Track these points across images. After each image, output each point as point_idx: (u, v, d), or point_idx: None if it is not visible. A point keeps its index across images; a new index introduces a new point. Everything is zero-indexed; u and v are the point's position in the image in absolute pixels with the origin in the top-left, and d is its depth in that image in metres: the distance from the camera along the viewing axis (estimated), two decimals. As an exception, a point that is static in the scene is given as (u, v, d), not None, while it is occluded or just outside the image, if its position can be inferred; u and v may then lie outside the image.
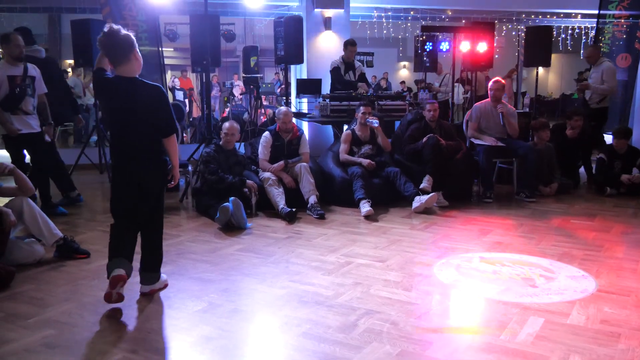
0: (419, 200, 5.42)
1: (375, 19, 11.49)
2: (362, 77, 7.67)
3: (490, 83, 6.41)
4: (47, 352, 2.59)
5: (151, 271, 3.33)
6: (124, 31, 3.07)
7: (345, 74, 7.51)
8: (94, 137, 8.38)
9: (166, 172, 3.23)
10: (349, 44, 7.46)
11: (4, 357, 2.57)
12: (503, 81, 6.51)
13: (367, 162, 5.81)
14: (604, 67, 7.14)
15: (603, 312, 3.02)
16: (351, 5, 8.97)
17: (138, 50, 3.13)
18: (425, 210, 5.43)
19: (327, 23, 8.74)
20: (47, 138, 5.53)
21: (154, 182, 3.22)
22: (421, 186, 5.67)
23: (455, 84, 8.54)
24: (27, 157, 5.54)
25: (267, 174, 5.56)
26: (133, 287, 3.42)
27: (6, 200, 4.10)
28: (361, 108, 5.98)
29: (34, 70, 5.31)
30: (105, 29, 3.04)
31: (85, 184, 7.33)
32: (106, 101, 3.29)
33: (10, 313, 3.06)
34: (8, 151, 5.37)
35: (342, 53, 7.59)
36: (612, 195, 6.13)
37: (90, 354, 2.58)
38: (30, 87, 5.24)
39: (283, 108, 5.99)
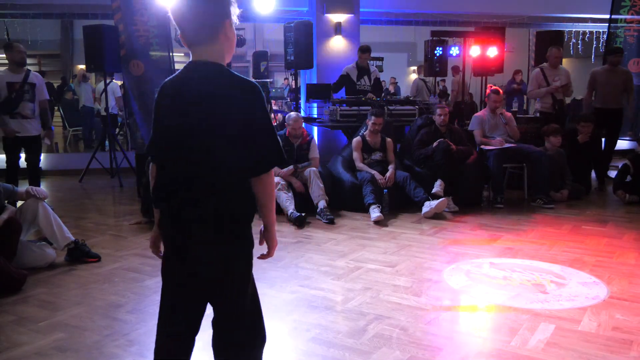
0: (428, 206, 5.41)
1: (385, 24, 11.50)
2: (377, 82, 7.67)
3: (490, 94, 6.41)
4: (58, 356, 2.61)
5: None
6: None
7: (360, 79, 7.52)
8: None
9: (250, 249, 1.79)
10: (360, 51, 7.50)
11: (15, 360, 2.59)
12: (501, 91, 6.56)
13: (384, 182, 5.70)
14: (567, 71, 7.11)
15: (615, 319, 2.99)
16: (361, 10, 8.98)
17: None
18: (435, 216, 5.41)
19: (337, 28, 8.75)
20: (47, 142, 5.87)
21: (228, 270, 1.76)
22: (433, 191, 5.66)
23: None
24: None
25: (276, 179, 5.58)
26: (141, 290, 3.44)
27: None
28: (372, 117, 5.96)
29: (35, 78, 5.68)
30: None
31: (97, 188, 7.39)
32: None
33: (22, 316, 3.09)
34: (5, 152, 5.63)
35: (353, 58, 7.62)
36: (634, 202, 6.01)
37: (101, 358, 2.59)
38: (28, 93, 5.58)
39: (293, 114, 6.00)
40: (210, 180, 1.69)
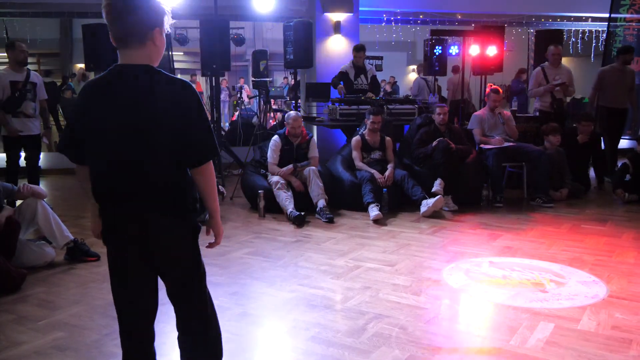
0: (426, 204, 5.40)
1: (384, 23, 11.50)
2: (374, 80, 7.67)
3: (490, 93, 6.40)
4: (57, 355, 2.61)
5: None
6: None
7: (357, 77, 7.52)
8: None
9: (195, 227, 1.92)
10: (354, 50, 7.52)
11: (14, 359, 2.58)
12: (501, 90, 6.55)
13: (383, 180, 5.69)
14: (569, 70, 7.11)
15: (614, 318, 2.99)
16: (360, 9, 8.98)
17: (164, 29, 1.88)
18: (435, 215, 5.40)
19: (337, 27, 8.75)
20: (45, 141, 5.93)
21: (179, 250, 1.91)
22: (433, 190, 5.66)
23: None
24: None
25: (276, 178, 5.57)
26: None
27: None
28: (370, 117, 5.96)
29: (36, 77, 5.70)
30: None
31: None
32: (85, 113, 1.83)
33: (21, 315, 3.09)
34: (6, 151, 5.63)
35: (352, 57, 7.63)
36: (633, 201, 6.02)
37: (100, 357, 2.59)
38: (30, 92, 5.60)
39: (292, 113, 5.99)
40: (152, 174, 1.78)
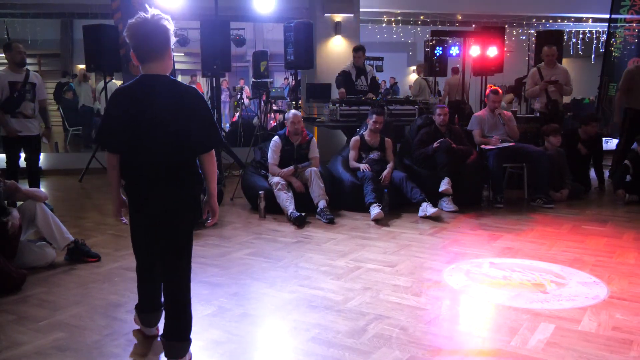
0: (423, 211, 5.40)
1: (385, 24, 11.51)
2: (374, 81, 7.67)
3: (489, 93, 6.39)
4: (58, 355, 2.60)
5: (178, 340, 2.44)
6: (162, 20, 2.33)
7: (357, 79, 7.52)
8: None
9: (199, 204, 2.48)
10: (353, 51, 7.53)
11: (15, 359, 2.58)
12: (500, 91, 6.54)
13: (365, 166, 5.77)
14: (566, 70, 7.07)
15: (615, 319, 2.99)
16: (361, 10, 8.98)
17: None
18: (435, 215, 5.39)
19: (337, 28, 8.76)
20: (45, 141, 5.91)
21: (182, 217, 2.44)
22: (441, 189, 5.68)
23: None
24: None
25: (276, 179, 5.58)
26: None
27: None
28: (373, 116, 5.96)
29: (35, 77, 5.70)
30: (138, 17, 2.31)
31: (96, 187, 7.39)
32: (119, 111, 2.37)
33: (22, 316, 3.09)
34: (5, 151, 5.64)
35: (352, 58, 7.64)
36: (633, 202, 6.03)
37: (100, 357, 2.59)
38: (29, 93, 5.61)
39: (292, 110, 6.00)
40: (174, 158, 2.34)
